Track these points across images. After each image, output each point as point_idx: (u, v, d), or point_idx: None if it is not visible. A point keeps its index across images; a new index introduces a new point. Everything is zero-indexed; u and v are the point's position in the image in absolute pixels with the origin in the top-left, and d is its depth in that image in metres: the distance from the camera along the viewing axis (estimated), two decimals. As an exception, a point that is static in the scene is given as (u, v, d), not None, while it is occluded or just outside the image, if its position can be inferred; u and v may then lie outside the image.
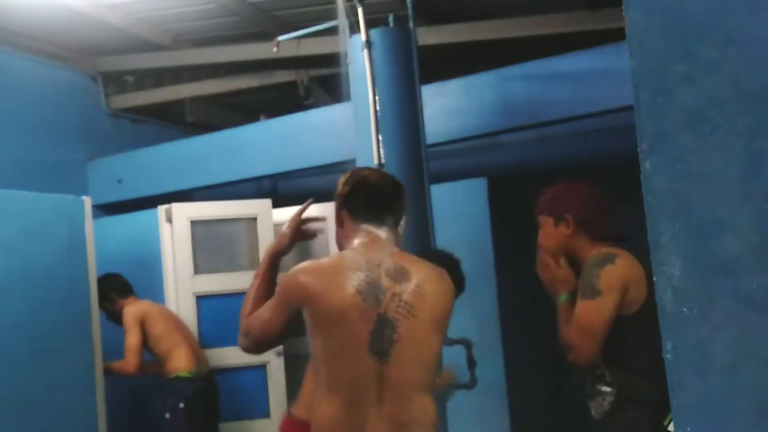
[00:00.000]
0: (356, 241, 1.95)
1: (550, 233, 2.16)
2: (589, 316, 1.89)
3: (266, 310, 1.94)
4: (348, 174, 2.03)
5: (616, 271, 1.88)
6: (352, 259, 1.90)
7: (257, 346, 1.99)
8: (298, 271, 1.90)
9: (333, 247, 4.64)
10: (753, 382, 0.79)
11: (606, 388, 1.97)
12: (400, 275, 1.88)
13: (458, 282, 2.43)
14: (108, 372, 3.89)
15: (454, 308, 1.95)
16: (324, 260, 1.98)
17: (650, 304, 1.78)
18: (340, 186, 2.01)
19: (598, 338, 1.88)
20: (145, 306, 4.08)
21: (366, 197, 1.98)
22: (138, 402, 4.70)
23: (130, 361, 3.88)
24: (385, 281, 1.86)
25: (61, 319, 3.59)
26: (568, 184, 2.22)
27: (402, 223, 2.05)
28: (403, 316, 1.83)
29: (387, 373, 1.81)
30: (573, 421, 3.23)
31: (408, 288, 1.86)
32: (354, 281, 1.84)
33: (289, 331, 1.93)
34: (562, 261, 2.09)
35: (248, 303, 2.02)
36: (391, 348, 1.81)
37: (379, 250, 1.92)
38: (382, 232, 1.97)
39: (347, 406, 1.81)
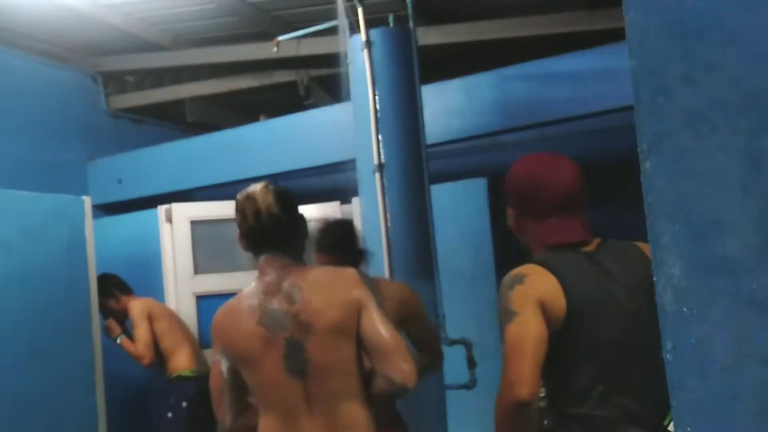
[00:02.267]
0: (258, 273, 2.03)
1: (508, 218, 1.96)
2: (512, 335, 1.66)
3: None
4: (237, 206, 2.05)
5: (526, 289, 1.69)
6: (249, 295, 2.00)
7: (214, 406, 2.09)
8: (213, 322, 2.05)
9: (333, 247, 4.65)
10: (753, 382, 0.79)
11: (542, 404, 1.77)
12: (294, 296, 1.94)
13: (356, 249, 2.41)
14: (115, 342, 3.92)
15: (418, 299, 2.12)
16: (230, 302, 2.06)
17: (571, 322, 1.67)
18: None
19: (531, 358, 1.64)
20: (150, 303, 4.09)
21: (253, 236, 2.03)
22: (138, 402, 4.70)
23: (144, 355, 3.90)
24: (284, 306, 1.94)
25: (61, 319, 3.60)
26: (522, 158, 1.94)
27: (305, 236, 2.10)
28: (305, 334, 1.91)
29: (311, 389, 1.91)
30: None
31: (303, 307, 1.92)
32: (255, 315, 1.95)
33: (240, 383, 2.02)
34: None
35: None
36: (306, 366, 1.91)
37: (277, 276, 1.99)
38: (280, 258, 2.02)
39: (283, 420, 1.93)
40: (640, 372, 1.70)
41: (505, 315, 1.70)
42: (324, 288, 1.96)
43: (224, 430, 2.07)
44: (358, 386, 1.94)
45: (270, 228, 2.00)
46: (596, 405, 1.69)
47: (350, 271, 2.03)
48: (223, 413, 2.05)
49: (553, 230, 1.82)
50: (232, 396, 2.03)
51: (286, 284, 1.96)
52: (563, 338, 1.69)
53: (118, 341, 3.96)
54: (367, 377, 1.95)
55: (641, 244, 1.81)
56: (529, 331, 1.66)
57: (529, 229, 1.88)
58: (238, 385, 2.02)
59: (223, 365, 2.01)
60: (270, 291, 1.97)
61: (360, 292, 1.95)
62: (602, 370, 1.70)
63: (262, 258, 2.03)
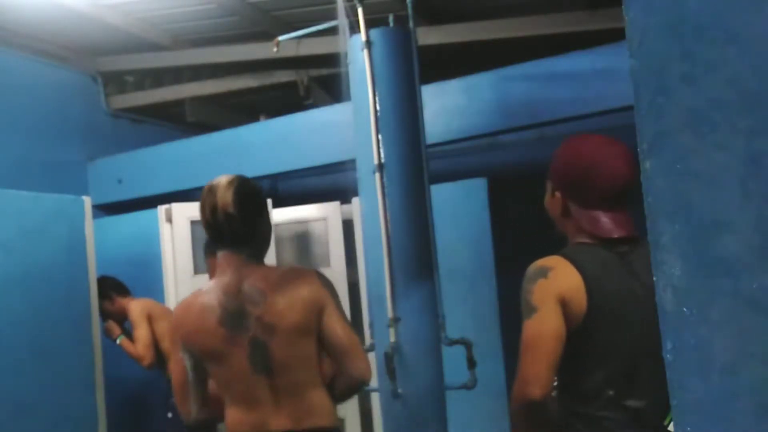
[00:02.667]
0: (218, 271, 2.04)
1: (547, 200, 1.87)
2: (530, 332, 1.66)
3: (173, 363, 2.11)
4: (201, 196, 2.07)
5: (548, 284, 1.66)
6: (209, 292, 2.01)
7: (178, 402, 2.09)
8: (173, 319, 2.06)
9: (333, 247, 4.65)
10: (753, 382, 0.79)
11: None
12: (257, 298, 1.98)
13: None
14: (114, 342, 3.92)
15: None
16: (187, 299, 2.08)
17: (590, 322, 1.62)
18: None
19: (547, 358, 1.62)
20: (150, 303, 4.09)
21: (210, 232, 2.04)
22: (138, 402, 4.70)
23: (144, 356, 3.90)
24: (248, 307, 1.98)
25: (61, 319, 3.60)
26: (572, 137, 1.85)
27: (267, 236, 2.11)
28: (269, 335, 1.96)
29: (277, 383, 1.98)
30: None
31: (266, 309, 1.97)
32: (215, 314, 1.97)
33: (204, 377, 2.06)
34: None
35: None
36: (271, 363, 1.97)
37: (236, 275, 2.00)
38: (238, 255, 2.02)
39: (249, 411, 2.00)
40: (650, 375, 1.65)
41: (525, 309, 1.70)
42: (286, 289, 1.99)
43: (188, 423, 2.10)
44: (321, 377, 2.04)
45: (225, 227, 2.00)
46: (604, 406, 1.66)
47: (311, 272, 2.07)
48: (188, 408, 2.07)
49: (598, 222, 1.73)
50: (197, 391, 2.05)
51: (246, 285, 1.99)
52: (580, 337, 1.66)
53: (118, 342, 3.96)
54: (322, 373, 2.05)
55: None
56: (547, 330, 1.65)
57: (573, 217, 1.78)
58: (202, 380, 2.06)
59: (187, 362, 2.03)
60: (230, 291, 1.99)
61: (320, 293, 2.00)
62: (615, 374, 1.66)
63: (220, 254, 2.04)
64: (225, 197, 2.00)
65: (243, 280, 2.00)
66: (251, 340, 1.96)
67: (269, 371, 1.97)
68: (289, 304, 1.97)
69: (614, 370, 1.66)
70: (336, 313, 2.02)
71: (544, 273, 1.69)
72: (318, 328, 1.99)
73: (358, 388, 2.10)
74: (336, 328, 2.00)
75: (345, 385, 2.06)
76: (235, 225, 2.00)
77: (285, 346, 1.96)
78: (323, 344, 2.02)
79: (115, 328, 4.01)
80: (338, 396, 2.08)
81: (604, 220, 1.73)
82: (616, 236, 1.71)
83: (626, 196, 1.74)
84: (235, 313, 1.97)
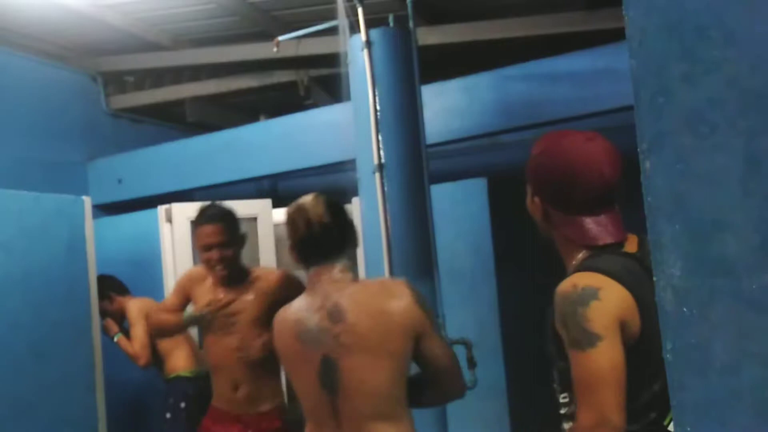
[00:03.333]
0: (309, 286, 2.07)
1: (528, 203, 1.73)
2: (602, 363, 1.44)
3: None
4: (287, 218, 2.09)
5: (605, 307, 1.47)
6: (297, 307, 2.06)
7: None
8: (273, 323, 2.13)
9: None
10: (753, 382, 0.79)
11: (567, 425, 1.61)
12: (338, 316, 1.94)
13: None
14: (112, 340, 3.93)
15: (429, 309, 2.00)
16: (284, 308, 2.12)
17: (641, 344, 1.44)
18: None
19: (622, 390, 1.44)
20: (149, 303, 4.08)
21: (304, 247, 2.05)
22: (138, 402, 4.70)
23: (140, 356, 3.90)
24: (325, 323, 1.96)
25: (60, 319, 3.60)
26: (548, 135, 1.70)
27: (356, 245, 2.14)
28: (343, 355, 1.92)
29: (339, 405, 1.93)
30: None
31: (346, 328, 1.92)
32: (296, 329, 2.01)
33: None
34: None
35: None
36: (337, 384, 1.92)
37: (322, 290, 2.00)
38: (330, 270, 2.03)
39: (316, 429, 2.01)
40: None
41: (583, 337, 1.46)
42: (374, 308, 1.93)
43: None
44: (392, 407, 1.93)
45: (322, 238, 2.02)
46: (647, 428, 1.53)
47: (401, 287, 1.97)
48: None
49: (583, 229, 1.59)
50: None
51: (331, 301, 1.97)
52: (630, 361, 1.47)
53: (115, 339, 3.96)
54: (403, 395, 1.96)
55: None
56: (619, 358, 1.45)
57: (559, 224, 1.64)
58: None
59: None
60: (314, 307, 2.00)
61: (415, 315, 1.92)
62: (657, 394, 1.52)
63: (312, 270, 2.05)
64: (317, 210, 2.04)
65: (330, 295, 1.98)
66: (323, 357, 1.94)
67: (333, 390, 1.93)
68: (375, 325, 1.91)
69: (657, 390, 1.53)
70: (435, 336, 1.95)
71: (594, 294, 1.48)
72: (414, 353, 1.93)
73: (450, 401, 2.18)
74: (438, 353, 1.94)
75: (441, 399, 2.17)
76: (331, 234, 2.03)
77: (358, 369, 1.90)
78: (422, 366, 1.97)
79: (113, 326, 4.02)
80: (426, 403, 2.08)
81: (590, 226, 1.59)
82: (616, 241, 1.58)
83: (612, 195, 1.60)
84: (312, 330, 1.97)
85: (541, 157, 1.65)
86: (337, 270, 2.02)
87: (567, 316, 1.49)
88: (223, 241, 2.97)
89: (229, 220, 3.05)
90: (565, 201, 1.61)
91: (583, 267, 1.56)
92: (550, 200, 1.65)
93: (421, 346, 1.93)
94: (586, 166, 1.57)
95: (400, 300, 1.93)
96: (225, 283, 3.02)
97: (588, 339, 1.45)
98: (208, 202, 3.14)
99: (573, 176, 1.57)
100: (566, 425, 1.62)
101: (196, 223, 3.05)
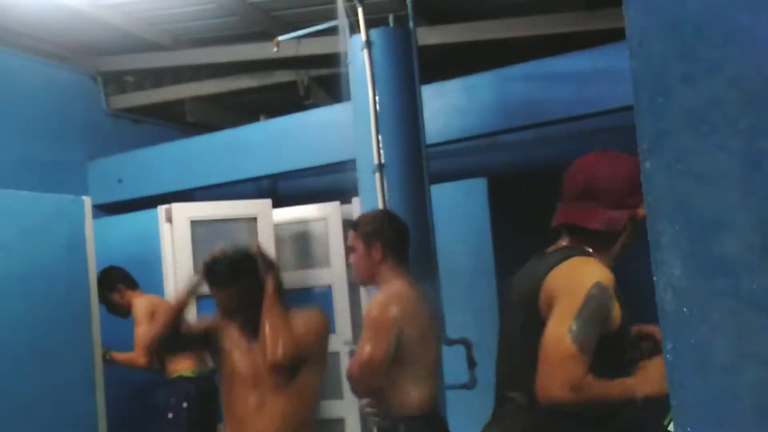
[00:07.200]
0: (398, 279, 2.45)
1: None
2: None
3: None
4: (382, 217, 2.61)
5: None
6: (410, 293, 2.44)
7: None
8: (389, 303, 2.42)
9: (333, 247, 4.64)
10: (753, 382, 0.79)
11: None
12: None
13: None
14: (110, 362, 3.88)
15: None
16: (402, 291, 2.45)
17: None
18: (379, 226, 2.49)
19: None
20: (156, 301, 4.07)
21: (402, 248, 2.50)
22: (138, 402, 4.69)
23: (139, 356, 3.87)
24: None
25: (61, 319, 3.59)
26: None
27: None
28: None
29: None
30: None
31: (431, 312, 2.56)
32: (427, 309, 2.50)
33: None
34: None
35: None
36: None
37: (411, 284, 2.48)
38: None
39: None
40: None
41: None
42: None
43: None
44: None
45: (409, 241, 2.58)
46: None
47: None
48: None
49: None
50: None
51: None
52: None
53: (107, 358, 3.89)
54: None
55: None
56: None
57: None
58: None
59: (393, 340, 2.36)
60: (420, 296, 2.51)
61: None
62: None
63: (400, 266, 2.50)
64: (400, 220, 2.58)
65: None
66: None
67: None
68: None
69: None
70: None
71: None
72: None
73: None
74: None
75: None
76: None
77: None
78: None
79: (104, 354, 3.88)
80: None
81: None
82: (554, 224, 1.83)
83: (584, 196, 1.74)
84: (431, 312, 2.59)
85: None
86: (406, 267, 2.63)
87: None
88: (241, 304, 2.58)
89: (243, 283, 2.56)
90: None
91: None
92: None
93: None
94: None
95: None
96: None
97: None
98: (216, 252, 2.60)
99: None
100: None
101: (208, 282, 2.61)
